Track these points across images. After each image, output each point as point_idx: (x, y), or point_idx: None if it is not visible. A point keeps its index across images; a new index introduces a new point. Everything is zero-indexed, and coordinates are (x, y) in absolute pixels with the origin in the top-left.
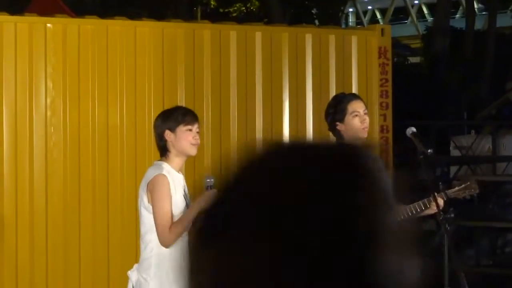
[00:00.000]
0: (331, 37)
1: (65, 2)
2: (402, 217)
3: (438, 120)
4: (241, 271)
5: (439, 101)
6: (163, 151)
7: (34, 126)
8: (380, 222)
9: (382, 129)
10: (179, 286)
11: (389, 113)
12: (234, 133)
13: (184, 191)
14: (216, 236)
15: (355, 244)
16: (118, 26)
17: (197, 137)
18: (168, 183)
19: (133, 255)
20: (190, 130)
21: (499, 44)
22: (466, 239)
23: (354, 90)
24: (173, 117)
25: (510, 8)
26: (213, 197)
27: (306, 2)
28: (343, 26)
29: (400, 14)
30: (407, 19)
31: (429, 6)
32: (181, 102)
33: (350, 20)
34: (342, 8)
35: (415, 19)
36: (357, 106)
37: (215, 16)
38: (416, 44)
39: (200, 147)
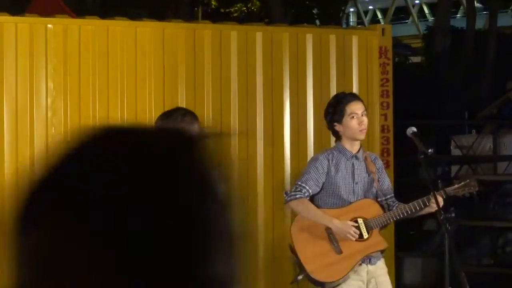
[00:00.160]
0: (332, 37)
1: (65, 3)
2: (400, 216)
3: (438, 120)
4: (54, 262)
5: (439, 100)
6: None
7: (35, 126)
8: (203, 218)
9: (383, 129)
10: None
11: (390, 112)
12: (234, 133)
13: None
14: (31, 227)
15: (170, 239)
16: (119, 27)
17: None
18: None
19: None
20: None
21: (500, 44)
22: (467, 238)
23: (355, 90)
24: (173, 118)
25: (511, 8)
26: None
27: (307, 2)
28: (344, 26)
29: (401, 14)
30: (408, 19)
31: (430, 6)
32: (182, 103)
33: (351, 20)
34: (343, 8)
35: (416, 18)
36: (355, 108)
37: (216, 16)
38: (417, 43)
39: None
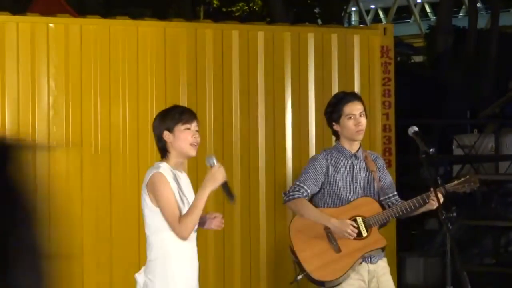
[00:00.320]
0: (334, 36)
1: (67, 2)
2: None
3: (440, 119)
4: None
5: (441, 100)
6: (163, 152)
7: (37, 125)
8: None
9: (384, 128)
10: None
11: (392, 112)
12: (236, 132)
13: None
14: None
15: None
16: (121, 26)
17: (197, 135)
18: (166, 178)
19: (135, 256)
20: (189, 128)
21: (502, 43)
22: (468, 238)
23: (357, 89)
24: (170, 116)
25: None
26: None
27: (309, 2)
28: (346, 25)
29: (403, 13)
30: (410, 18)
31: (432, 5)
32: (183, 102)
33: (353, 19)
34: (344, 7)
35: (418, 18)
36: (353, 109)
37: (217, 16)
38: (419, 43)
39: (202, 146)
